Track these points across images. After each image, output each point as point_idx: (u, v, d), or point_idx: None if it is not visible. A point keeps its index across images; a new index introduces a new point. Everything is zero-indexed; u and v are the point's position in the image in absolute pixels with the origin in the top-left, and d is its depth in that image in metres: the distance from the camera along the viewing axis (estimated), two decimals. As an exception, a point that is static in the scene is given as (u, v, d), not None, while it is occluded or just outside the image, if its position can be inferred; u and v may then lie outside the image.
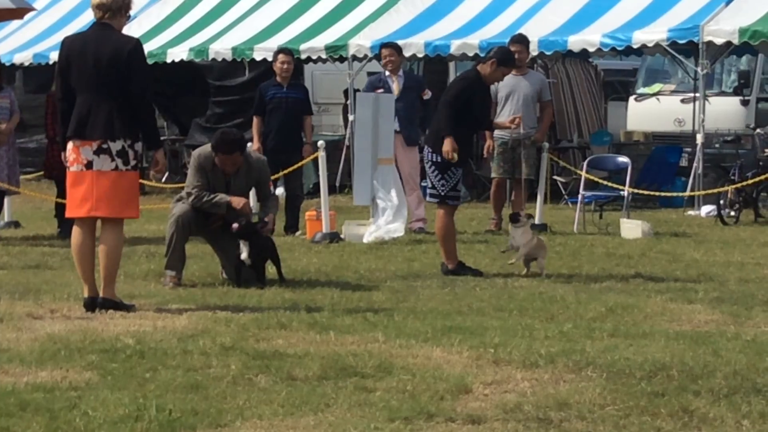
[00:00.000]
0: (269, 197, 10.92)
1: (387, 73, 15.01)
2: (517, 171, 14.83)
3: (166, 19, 23.70)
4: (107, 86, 8.85)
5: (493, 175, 15.20)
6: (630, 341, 7.74)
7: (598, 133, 21.51)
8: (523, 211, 14.50)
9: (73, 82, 8.96)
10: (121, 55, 8.84)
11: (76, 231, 9.00)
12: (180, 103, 23.90)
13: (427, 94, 15.16)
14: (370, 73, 24.43)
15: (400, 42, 19.19)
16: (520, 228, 10.99)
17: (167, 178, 21.33)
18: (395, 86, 14.76)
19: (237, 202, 10.35)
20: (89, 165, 8.87)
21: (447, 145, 10.80)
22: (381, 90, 14.60)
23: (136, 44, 9.01)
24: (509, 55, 11.39)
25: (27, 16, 25.49)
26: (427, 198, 11.35)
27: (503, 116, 14.72)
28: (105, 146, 8.83)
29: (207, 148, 10.71)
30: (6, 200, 14.87)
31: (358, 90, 17.68)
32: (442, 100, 11.15)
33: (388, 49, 15.33)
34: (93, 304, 8.91)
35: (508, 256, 11.16)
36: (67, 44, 9.15)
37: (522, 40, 15.12)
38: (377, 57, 19.47)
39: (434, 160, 11.04)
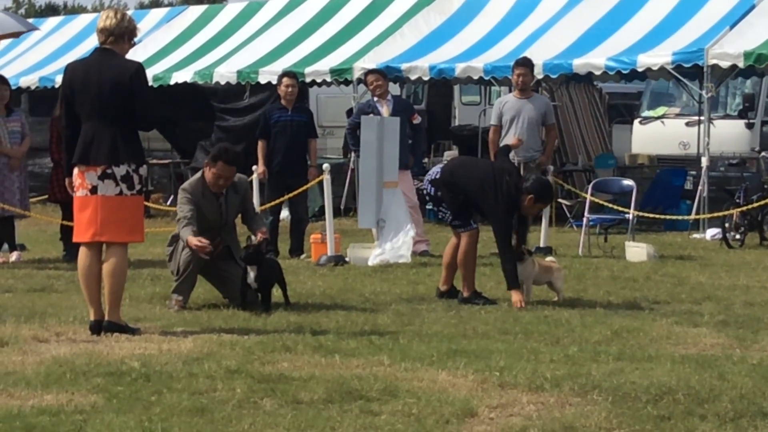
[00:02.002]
0: (254, 216, 10.95)
1: (375, 98, 15.02)
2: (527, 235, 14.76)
3: (171, 43, 23.80)
4: (111, 112, 8.87)
5: None
6: (636, 365, 7.73)
7: (603, 157, 21.54)
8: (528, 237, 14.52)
9: (78, 108, 8.99)
10: (123, 81, 8.85)
11: (82, 254, 9.02)
12: (183, 126, 23.96)
13: (417, 119, 15.16)
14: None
15: (404, 65, 19.35)
16: (522, 264, 10.94)
17: (172, 201, 21.36)
18: (384, 111, 14.76)
19: (192, 243, 10.04)
20: (94, 190, 8.89)
21: (515, 297, 10.49)
22: (371, 115, 14.60)
23: (138, 69, 9.01)
24: (547, 189, 10.99)
25: (33, 40, 25.66)
26: (439, 216, 11.34)
27: (508, 140, 14.75)
28: (109, 171, 8.86)
29: (192, 179, 10.69)
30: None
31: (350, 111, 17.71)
32: (498, 222, 10.64)
33: (374, 74, 15.35)
34: (99, 327, 8.92)
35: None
36: (70, 71, 9.18)
37: (526, 63, 15.17)
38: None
39: (430, 192, 11.02)
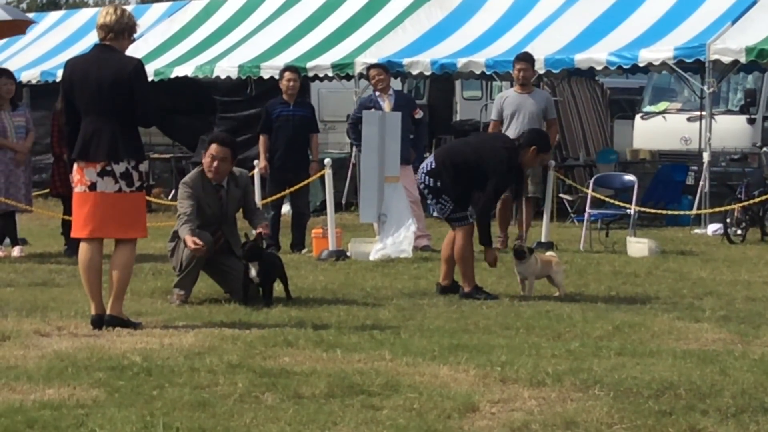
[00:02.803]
0: (255, 210, 10.92)
1: (377, 92, 15.02)
2: (524, 189, 14.80)
3: (172, 38, 23.79)
4: (110, 108, 8.87)
5: None
6: (637, 360, 7.73)
7: (604, 152, 21.53)
8: (528, 231, 14.52)
9: (78, 104, 9.00)
10: (122, 77, 8.85)
11: (83, 248, 9.01)
12: (184, 121, 23.98)
13: (419, 114, 15.15)
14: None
15: (406, 60, 19.35)
16: (525, 263, 10.96)
17: (173, 195, 21.34)
18: (386, 105, 14.75)
19: (189, 241, 10.00)
20: (92, 186, 8.90)
21: (489, 256, 10.76)
22: (373, 110, 14.60)
23: (137, 65, 9.01)
24: (548, 140, 11.28)
25: (34, 34, 25.59)
26: (434, 214, 11.32)
27: (508, 134, 14.71)
28: (109, 168, 8.87)
29: (192, 172, 10.72)
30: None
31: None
32: (488, 191, 10.66)
33: (376, 69, 15.34)
34: (100, 321, 8.92)
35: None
36: (70, 67, 9.19)
37: (527, 58, 15.16)
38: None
39: (428, 183, 10.99)
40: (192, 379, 7.10)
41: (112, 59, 8.93)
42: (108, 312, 8.95)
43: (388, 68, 15.95)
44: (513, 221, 15.87)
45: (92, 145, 8.87)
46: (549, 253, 11.80)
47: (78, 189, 9.00)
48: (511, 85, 16.78)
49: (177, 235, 10.48)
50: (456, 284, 11.02)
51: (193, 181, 10.50)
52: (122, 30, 9.00)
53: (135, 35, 9.25)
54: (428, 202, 11.10)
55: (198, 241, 10.00)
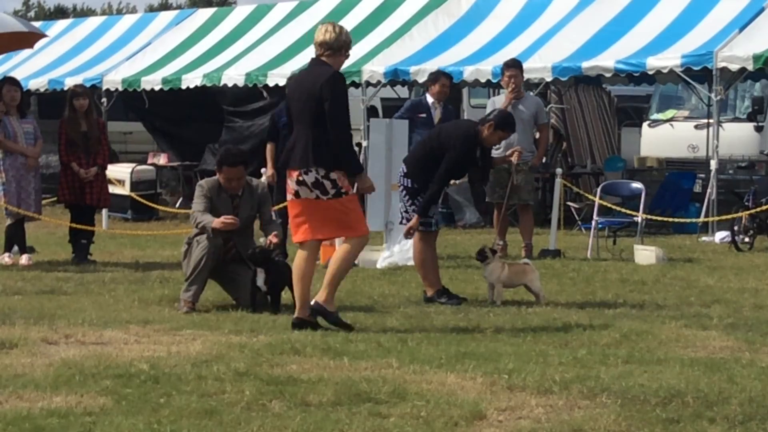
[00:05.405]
0: (271, 221, 10.97)
1: (431, 100, 15.01)
2: (516, 197, 14.70)
3: (180, 46, 23.83)
4: (307, 118, 9.17)
5: (487, 199, 15.17)
6: (644, 367, 7.72)
7: (612, 159, 21.53)
8: (501, 243, 14.43)
9: (291, 115, 9.39)
10: (316, 88, 9.11)
11: (297, 255, 9.31)
12: (190, 129, 24.01)
13: None
14: (383, 99, 24.54)
15: (413, 68, 19.36)
16: (489, 265, 10.94)
17: (181, 203, 21.38)
18: (437, 114, 14.80)
19: (218, 223, 10.34)
20: (296, 194, 9.22)
21: (414, 222, 10.81)
22: (423, 115, 14.63)
23: (331, 76, 9.18)
24: (509, 119, 11.23)
25: (42, 42, 25.57)
26: (402, 221, 11.33)
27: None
28: (301, 178, 9.14)
29: (211, 178, 10.84)
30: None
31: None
32: (442, 167, 10.76)
33: (449, 79, 15.37)
34: (301, 324, 9.12)
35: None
36: (290, 81, 9.73)
37: (516, 64, 15.11)
38: (391, 83, 19.56)
39: (406, 185, 11.02)
40: (199, 387, 7.10)
41: (317, 72, 9.23)
42: (315, 299, 9.22)
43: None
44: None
45: (293, 153, 9.21)
46: (522, 261, 11.72)
47: (288, 197, 9.35)
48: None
49: (191, 239, 10.55)
50: (443, 290, 11.01)
51: (210, 185, 10.76)
52: (340, 47, 9.32)
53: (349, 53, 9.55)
54: (404, 207, 11.04)
55: (228, 217, 10.28)
